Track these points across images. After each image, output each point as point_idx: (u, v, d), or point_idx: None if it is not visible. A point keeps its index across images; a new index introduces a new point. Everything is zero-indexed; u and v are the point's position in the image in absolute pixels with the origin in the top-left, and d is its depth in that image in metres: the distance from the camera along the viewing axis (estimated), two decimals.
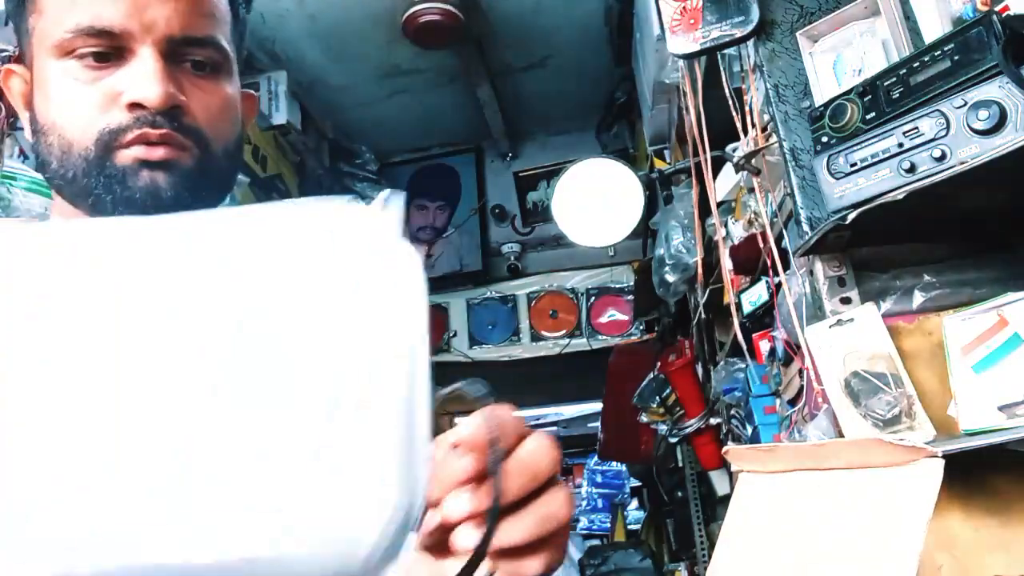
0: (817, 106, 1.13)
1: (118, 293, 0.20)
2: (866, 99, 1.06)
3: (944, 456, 0.77)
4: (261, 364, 0.20)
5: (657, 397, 2.65)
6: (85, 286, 0.20)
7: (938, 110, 0.96)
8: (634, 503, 6.61)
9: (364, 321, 0.21)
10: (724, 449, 0.93)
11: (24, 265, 0.21)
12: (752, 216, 1.58)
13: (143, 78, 0.68)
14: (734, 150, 1.52)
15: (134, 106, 0.68)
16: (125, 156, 0.69)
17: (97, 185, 0.68)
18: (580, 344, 3.92)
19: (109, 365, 0.19)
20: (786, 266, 1.33)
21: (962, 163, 0.93)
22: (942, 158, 0.95)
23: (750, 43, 1.35)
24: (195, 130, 0.71)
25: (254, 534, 0.19)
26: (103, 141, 0.68)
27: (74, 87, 0.69)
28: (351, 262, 0.22)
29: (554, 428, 7.08)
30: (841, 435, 1.07)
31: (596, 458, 6.63)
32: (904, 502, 0.66)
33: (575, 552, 4.78)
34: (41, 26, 0.71)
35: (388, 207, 0.23)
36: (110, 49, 0.69)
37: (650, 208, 2.71)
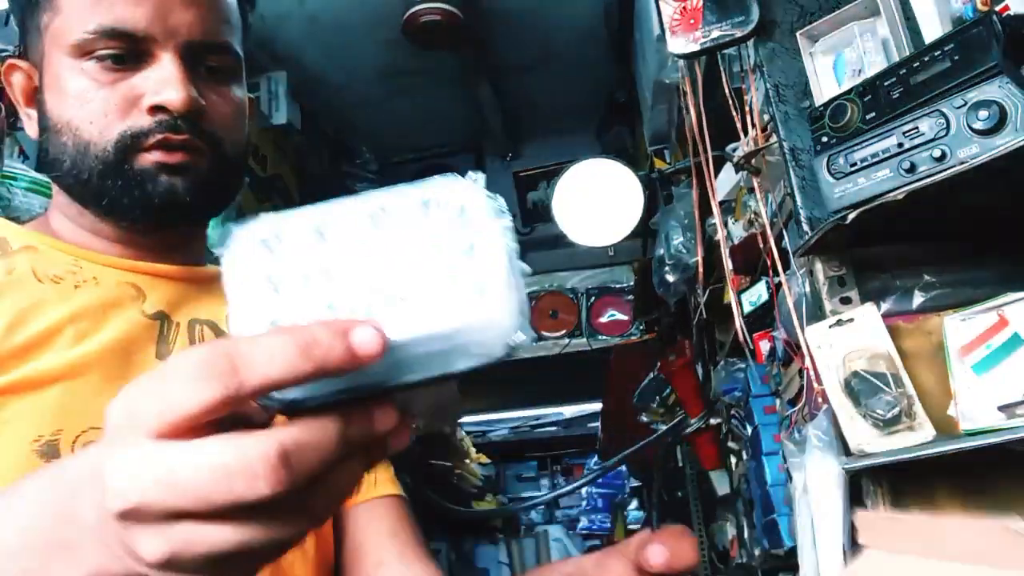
0: (817, 106, 1.13)
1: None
2: (866, 99, 1.06)
3: (944, 456, 0.77)
4: (430, 242, 0.36)
5: (657, 397, 2.65)
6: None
7: (938, 110, 0.96)
8: (634, 503, 6.61)
9: (481, 218, 0.37)
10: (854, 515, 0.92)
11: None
12: (752, 216, 1.58)
13: (167, 82, 0.68)
14: (734, 150, 1.52)
15: (156, 109, 0.69)
16: (145, 159, 0.69)
17: (114, 187, 0.69)
18: (580, 344, 3.92)
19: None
20: (786, 266, 1.33)
21: (962, 163, 0.93)
22: (942, 158, 0.95)
23: (750, 43, 1.35)
24: (212, 135, 0.72)
25: (450, 313, 0.34)
26: (123, 144, 0.68)
27: (93, 88, 0.69)
28: (468, 200, 0.38)
29: (554, 428, 7.08)
30: (841, 435, 1.07)
31: (596, 458, 6.63)
32: None
33: (575, 552, 4.78)
34: (57, 24, 0.70)
35: (478, 181, 0.39)
36: (130, 52, 0.69)
37: (650, 208, 2.71)
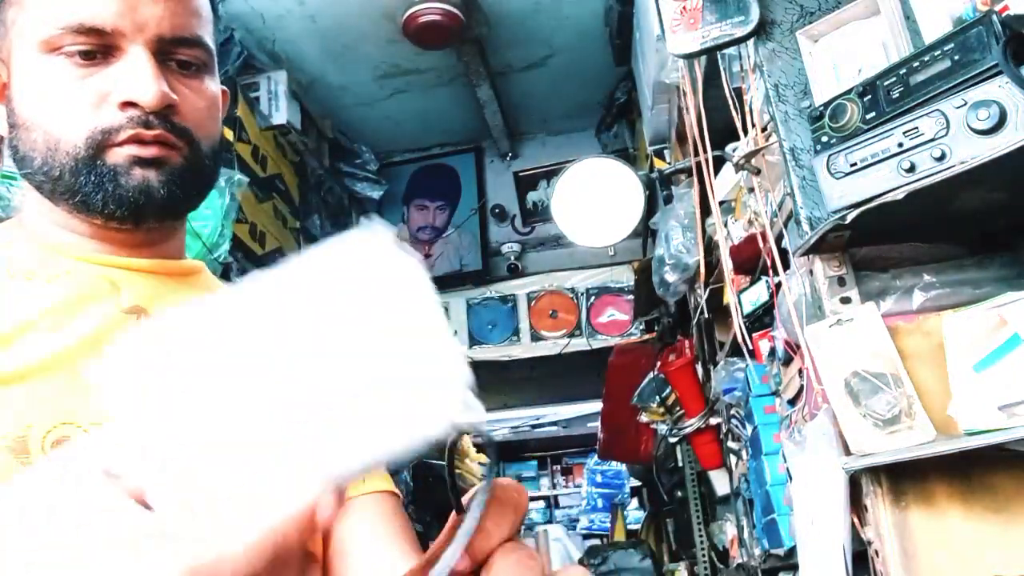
0: (817, 106, 1.13)
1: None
2: (866, 99, 1.06)
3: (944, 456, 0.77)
4: (352, 342, 0.32)
5: (657, 397, 2.65)
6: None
7: (938, 110, 0.96)
8: (634, 503, 6.61)
9: (400, 299, 0.34)
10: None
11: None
12: (752, 216, 1.58)
13: (137, 78, 0.68)
14: (734, 150, 1.52)
15: (127, 105, 0.68)
16: (117, 155, 0.68)
17: (87, 183, 0.68)
18: (580, 344, 3.92)
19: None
20: (786, 266, 1.33)
21: (962, 163, 0.93)
22: (942, 158, 0.95)
23: (750, 43, 1.35)
24: (185, 129, 0.71)
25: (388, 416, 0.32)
26: (94, 140, 0.68)
27: (62, 84, 0.68)
28: (380, 269, 0.34)
29: (554, 428, 7.08)
30: (841, 435, 1.07)
31: (596, 458, 6.63)
32: None
33: (575, 552, 4.78)
34: (22, 20, 0.69)
35: (376, 228, 0.34)
36: (99, 47, 0.68)
37: (650, 208, 2.71)
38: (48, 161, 0.68)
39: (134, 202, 0.69)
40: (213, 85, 0.76)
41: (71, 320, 0.66)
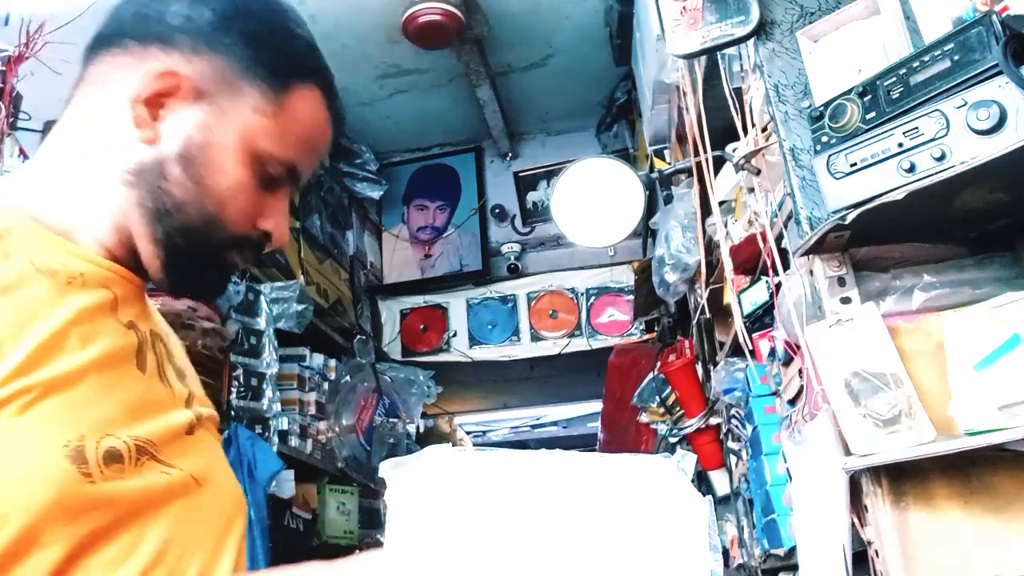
0: (817, 106, 1.13)
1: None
2: (866, 99, 1.06)
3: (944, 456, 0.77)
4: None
5: (657, 397, 2.65)
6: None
7: (938, 110, 0.96)
8: None
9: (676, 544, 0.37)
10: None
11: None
12: (752, 216, 1.58)
13: (282, 219, 0.79)
14: (734, 150, 1.52)
15: (265, 234, 0.78)
16: (226, 257, 0.77)
17: (190, 256, 0.74)
18: (580, 344, 3.92)
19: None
20: (786, 266, 1.33)
21: (962, 163, 0.93)
22: (942, 158, 0.95)
23: (750, 43, 1.35)
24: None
25: None
26: (227, 240, 0.75)
27: (246, 189, 0.75)
28: (665, 501, 0.38)
29: (554, 428, 7.08)
30: (841, 435, 1.07)
31: None
32: None
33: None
34: (253, 120, 0.74)
35: (685, 462, 0.42)
36: (279, 178, 0.77)
37: (650, 208, 2.71)
38: (186, 222, 0.73)
39: (199, 285, 0.79)
40: None
41: (94, 332, 0.67)
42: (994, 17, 0.93)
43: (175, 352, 0.82)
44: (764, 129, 1.42)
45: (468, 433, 6.13)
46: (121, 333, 0.70)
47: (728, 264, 1.69)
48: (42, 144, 0.77)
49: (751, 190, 1.54)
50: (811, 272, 1.19)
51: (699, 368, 2.51)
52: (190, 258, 0.74)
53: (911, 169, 0.98)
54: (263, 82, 0.74)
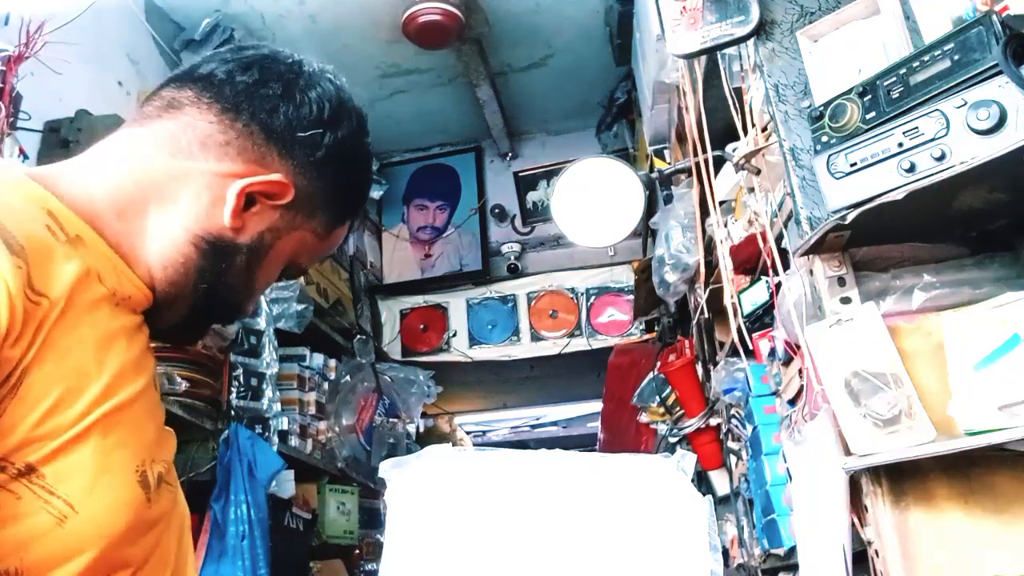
0: (817, 106, 1.13)
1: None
2: (866, 99, 1.06)
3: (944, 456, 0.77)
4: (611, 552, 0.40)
5: (657, 397, 2.65)
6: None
7: (938, 110, 0.96)
8: None
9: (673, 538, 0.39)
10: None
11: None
12: (752, 216, 1.58)
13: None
14: (734, 150, 1.52)
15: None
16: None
17: (201, 317, 0.78)
18: (580, 344, 3.92)
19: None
20: (786, 266, 1.33)
21: (962, 163, 0.93)
22: (942, 158, 0.95)
23: (750, 43, 1.35)
24: None
25: None
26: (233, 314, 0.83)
27: (271, 283, 0.82)
28: (664, 499, 0.39)
29: (554, 428, 7.08)
30: (841, 435, 1.07)
31: None
32: None
33: None
34: (309, 241, 0.80)
35: (685, 462, 0.41)
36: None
37: (650, 208, 2.71)
38: (228, 300, 0.78)
39: (176, 338, 0.81)
40: None
41: (142, 362, 0.70)
42: (994, 17, 0.93)
43: None
44: (764, 129, 1.42)
45: (468, 433, 6.13)
46: (151, 356, 0.73)
47: (728, 264, 1.69)
48: (111, 136, 0.75)
49: (751, 190, 1.54)
50: (811, 272, 1.19)
51: (699, 368, 2.51)
52: (198, 318, 0.79)
53: (911, 169, 0.98)
54: (331, 216, 0.81)
